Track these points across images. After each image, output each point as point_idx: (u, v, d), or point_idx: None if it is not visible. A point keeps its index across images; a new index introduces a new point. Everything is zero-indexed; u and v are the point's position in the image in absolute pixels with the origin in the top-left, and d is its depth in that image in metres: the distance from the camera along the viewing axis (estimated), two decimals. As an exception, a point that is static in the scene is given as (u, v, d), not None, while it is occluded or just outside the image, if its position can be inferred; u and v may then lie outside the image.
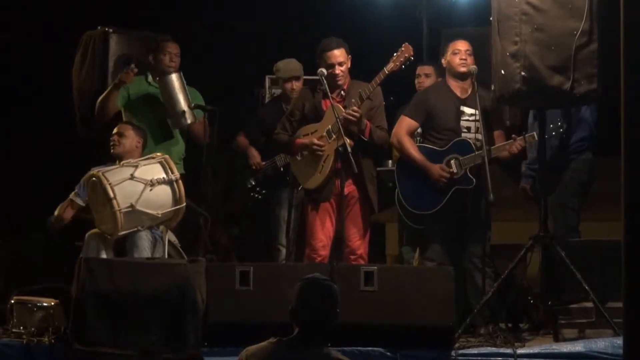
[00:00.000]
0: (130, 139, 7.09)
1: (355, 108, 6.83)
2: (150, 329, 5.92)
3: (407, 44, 7.01)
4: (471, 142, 6.93)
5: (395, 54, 7.00)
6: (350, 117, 6.80)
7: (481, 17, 7.49)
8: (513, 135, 6.87)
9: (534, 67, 6.14)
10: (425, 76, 7.84)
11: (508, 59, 6.21)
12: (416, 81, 7.87)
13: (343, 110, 6.87)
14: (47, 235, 7.27)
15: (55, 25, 9.32)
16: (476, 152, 6.85)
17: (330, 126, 6.95)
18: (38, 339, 6.09)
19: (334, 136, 6.90)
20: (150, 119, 7.44)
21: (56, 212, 7.22)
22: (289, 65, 8.11)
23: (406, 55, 6.96)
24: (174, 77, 7.29)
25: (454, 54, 7.08)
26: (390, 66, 6.95)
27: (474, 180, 6.86)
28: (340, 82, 7.01)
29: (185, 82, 7.29)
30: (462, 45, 7.09)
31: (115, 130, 7.13)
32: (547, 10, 6.16)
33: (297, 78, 8.07)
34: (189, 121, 7.30)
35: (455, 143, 6.98)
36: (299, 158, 7.13)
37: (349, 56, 7.06)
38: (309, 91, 7.21)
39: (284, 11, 9.68)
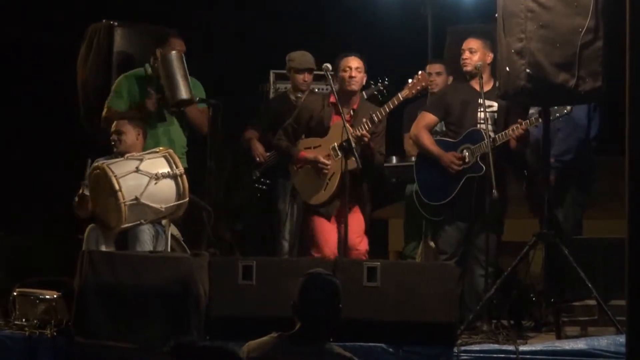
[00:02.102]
0: (130, 134, 7.07)
1: (365, 132, 6.84)
2: (152, 322, 5.92)
3: (423, 72, 7.08)
4: (483, 131, 6.94)
5: (410, 81, 7.06)
6: (365, 138, 6.81)
7: (486, 14, 7.48)
8: (519, 120, 6.86)
9: (539, 64, 6.13)
10: (437, 74, 7.84)
11: (513, 56, 6.21)
12: None
13: (350, 129, 6.84)
14: (74, 218, 7.19)
15: (60, 19, 9.30)
16: (484, 141, 6.87)
17: (336, 144, 6.95)
18: (40, 331, 6.11)
19: (340, 154, 6.90)
20: (151, 112, 7.41)
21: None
22: (304, 57, 8.09)
23: (423, 84, 7.03)
24: (174, 55, 7.24)
25: (461, 53, 7.13)
26: (405, 93, 6.99)
27: (484, 167, 6.87)
28: (353, 87, 7.00)
29: (185, 62, 7.26)
30: (464, 45, 7.12)
31: (113, 129, 7.11)
32: (552, 8, 6.15)
33: (310, 70, 8.06)
34: (184, 96, 7.23)
35: (469, 133, 7.01)
36: (295, 168, 7.15)
37: (365, 74, 7.08)
38: (319, 102, 7.19)
39: (288, 7, 9.66)
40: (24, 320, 6.31)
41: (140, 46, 7.80)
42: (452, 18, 9.38)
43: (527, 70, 6.15)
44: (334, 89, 6.91)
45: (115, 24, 7.80)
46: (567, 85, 6.11)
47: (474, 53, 7.08)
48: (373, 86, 7.97)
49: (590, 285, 6.10)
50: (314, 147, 7.07)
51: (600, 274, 6.43)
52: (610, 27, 6.09)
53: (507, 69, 6.25)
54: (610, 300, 6.17)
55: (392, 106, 6.95)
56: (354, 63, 7.01)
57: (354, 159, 6.71)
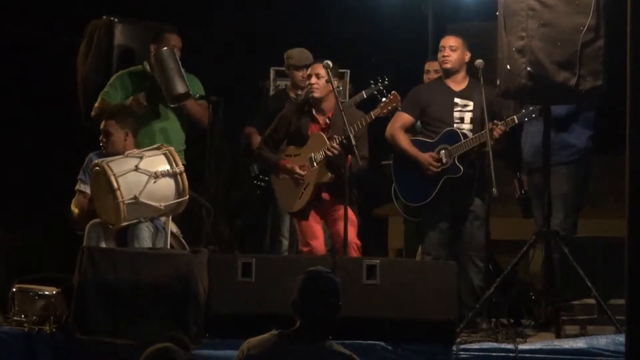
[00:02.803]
0: (117, 134, 7.05)
1: (335, 145, 6.86)
2: (152, 319, 5.92)
3: (395, 92, 7.08)
4: (459, 131, 6.95)
5: (383, 100, 7.10)
6: (330, 154, 6.86)
7: (487, 12, 7.48)
8: (495, 121, 6.86)
9: (540, 62, 6.14)
10: (435, 72, 7.82)
11: (514, 54, 6.21)
12: (425, 77, 7.86)
13: (327, 142, 6.90)
14: (71, 227, 7.19)
15: (60, 15, 9.30)
16: (462, 141, 6.88)
17: (313, 154, 6.98)
18: (39, 327, 6.10)
19: (316, 165, 6.94)
20: (151, 108, 7.39)
21: (74, 210, 7.17)
22: (303, 54, 8.09)
23: (394, 104, 7.04)
24: (165, 52, 7.23)
25: (439, 51, 7.11)
26: (377, 112, 7.01)
27: (462, 168, 6.88)
28: (314, 94, 7.04)
29: (178, 58, 7.25)
30: (444, 42, 7.12)
31: (101, 128, 7.09)
32: (553, 6, 6.16)
33: (309, 67, 8.06)
34: (180, 90, 7.21)
35: (445, 133, 7.01)
36: (280, 177, 7.18)
37: (335, 77, 7.12)
38: (297, 111, 7.23)
39: (289, 5, 9.66)
40: (23, 316, 6.30)
41: (140, 42, 7.78)
42: (453, 16, 9.38)
43: (528, 69, 6.16)
44: (333, 85, 6.91)
45: (116, 20, 7.79)
46: (568, 83, 6.12)
47: (454, 51, 7.09)
48: (373, 85, 7.98)
49: (589, 284, 6.10)
50: (294, 156, 7.12)
51: (600, 273, 6.44)
52: (611, 26, 6.10)
53: (508, 67, 6.25)
54: (609, 300, 6.17)
55: (364, 123, 6.96)
56: (315, 69, 7.05)
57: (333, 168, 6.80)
